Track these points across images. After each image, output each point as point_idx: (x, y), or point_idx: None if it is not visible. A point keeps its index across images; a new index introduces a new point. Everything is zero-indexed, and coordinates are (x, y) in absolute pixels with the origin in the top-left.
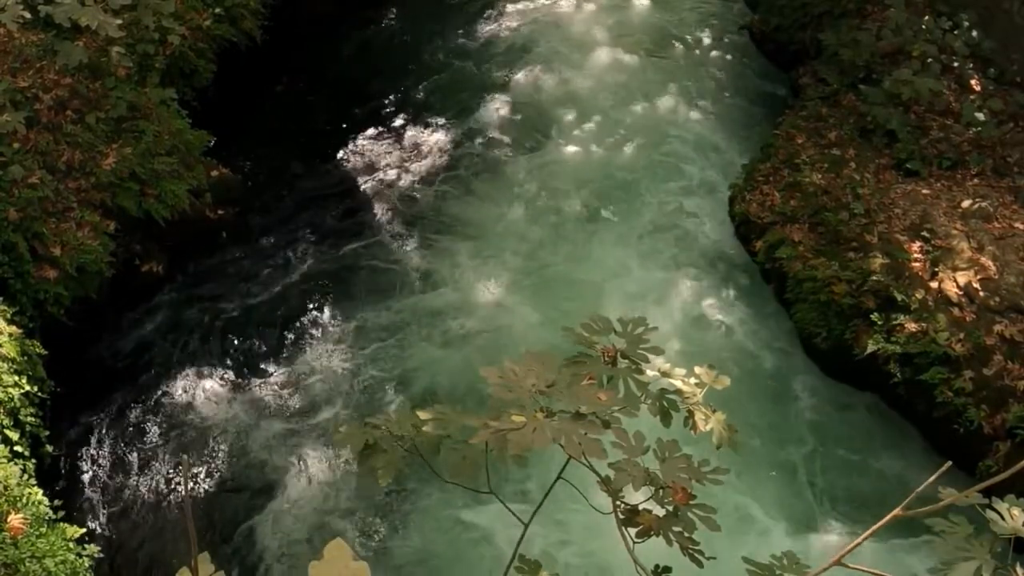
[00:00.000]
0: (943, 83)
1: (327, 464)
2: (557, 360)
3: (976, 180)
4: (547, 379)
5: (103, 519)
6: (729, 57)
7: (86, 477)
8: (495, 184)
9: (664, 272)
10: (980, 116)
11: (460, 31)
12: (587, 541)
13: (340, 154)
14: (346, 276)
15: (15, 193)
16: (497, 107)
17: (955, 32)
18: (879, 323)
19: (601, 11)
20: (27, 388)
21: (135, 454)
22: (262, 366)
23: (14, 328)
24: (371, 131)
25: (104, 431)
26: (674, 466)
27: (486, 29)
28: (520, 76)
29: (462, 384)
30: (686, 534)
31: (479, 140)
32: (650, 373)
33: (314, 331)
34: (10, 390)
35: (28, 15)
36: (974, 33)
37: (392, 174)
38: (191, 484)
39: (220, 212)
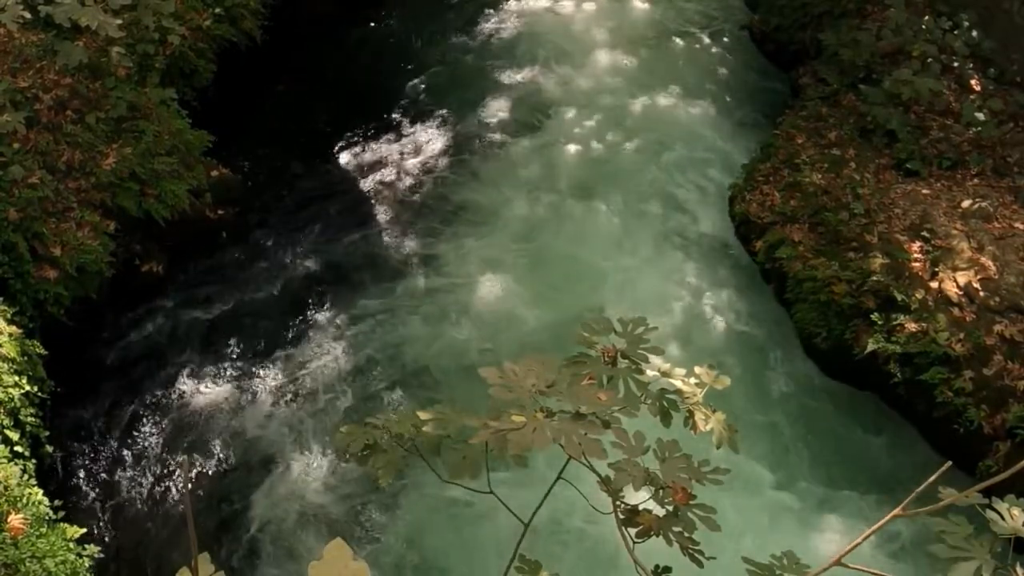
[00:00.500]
0: (943, 83)
1: (328, 463)
2: (557, 360)
3: (976, 180)
4: (547, 379)
5: (103, 519)
6: (729, 57)
7: (86, 477)
8: (494, 184)
9: (664, 272)
10: (980, 116)
11: (460, 30)
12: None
13: (340, 154)
14: (346, 275)
15: (15, 193)
16: (496, 107)
17: (955, 32)
18: (879, 323)
19: (601, 11)
20: (27, 388)
21: (135, 454)
22: (262, 366)
23: (14, 328)
24: (371, 130)
25: (104, 431)
26: (674, 466)
27: (486, 29)
28: (519, 75)
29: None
30: (686, 534)
31: (478, 140)
32: (650, 373)
33: (314, 330)
34: (10, 390)
35: (28, 15)
36: (974, 33)
37: (392, 173)
38: (191, 484)
39: (220, 212)
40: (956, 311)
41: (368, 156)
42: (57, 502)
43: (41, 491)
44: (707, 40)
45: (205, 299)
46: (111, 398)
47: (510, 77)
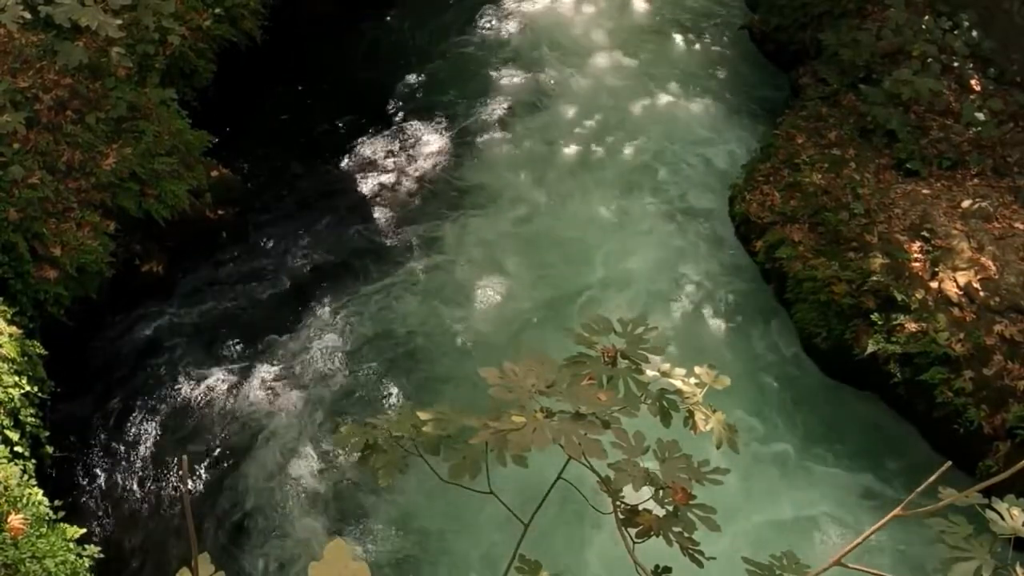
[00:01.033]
0: (943, 83)
1: (328, 462)
2: (557, 360)
3: (976, 180)
4: (547, 379)
5: (103, 519)
6: (729, 57)
7: (86, 477)
8: (494, 184)
9: (663, 272)
10: (980, 116)
11: (460, 30)
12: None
13: (340, 153)
14: (346, 274)
15: (15, 193)
16: (496, 107)
17: (955, 32)
18: (879, 323)
19: (601, 11)
20: (27, 388)
21: (135, 454)
22: (263, 365)
23: (14, 328)
24: (371, 130)
25: (104, 431)
26: (674, 466)
27: (485, 29)
28: (519, 75)
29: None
30: (686, 534)
31: (478, 140)
32: (650, 373)
33: (315, 329)
34: (10, 390)
35: (28, 15)
36: (974, 33)
37: (392, 171)
38: (191, 483)
39: (220, 212)
40: (956, 311)
41: (368, 155)
42: (57, 502)
43: (41, 491)
44: (707, 40)
45: (205, 299)
46: (111, 398)
47: (509, 76)
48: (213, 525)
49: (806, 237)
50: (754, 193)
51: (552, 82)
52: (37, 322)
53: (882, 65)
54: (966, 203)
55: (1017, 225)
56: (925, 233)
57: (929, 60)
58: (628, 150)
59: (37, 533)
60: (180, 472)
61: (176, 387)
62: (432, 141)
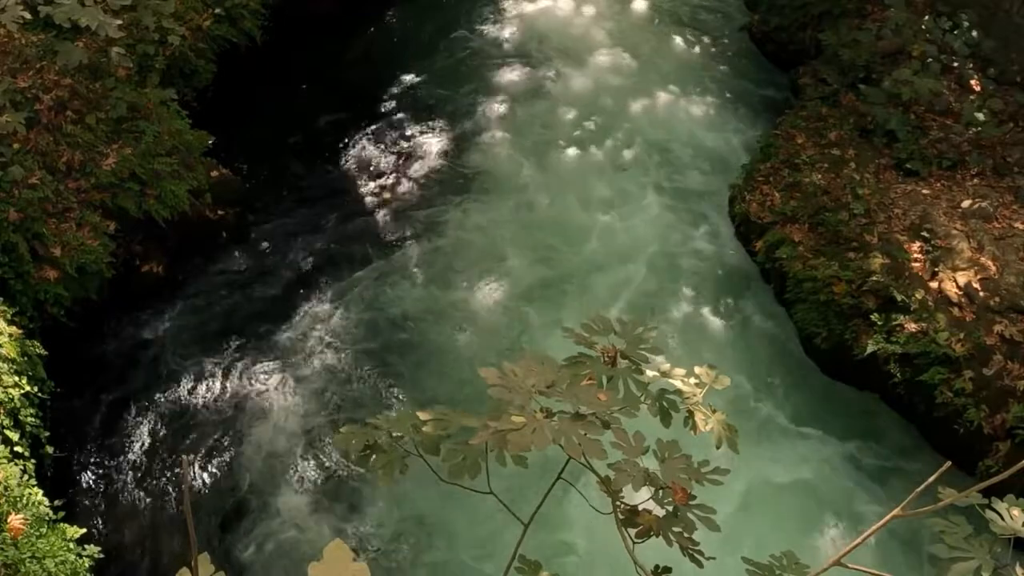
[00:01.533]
0: (943, 83)
1: (329, 461)
2: (557, 360)
3: (976, 180)
4: (547, 379)
5: (103, 519)
6: (729, 57)
7: (86, 477)
8: (494, 185)
9: (663, 272)
10: (980, 116)
11: (460, 29)
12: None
13: (340, 153)
14: (347, 273)
15: (15, 194)
16: (496, 107)
17: (955, 32)
18: (879, 323)
19: (601, 12)
20: (27, 389)
21: (135, 454)
22: (263, 365)
23: (14, 329)
24: (371, 131)
25: (104, 431)
26: (674, 466)
27: (485, 29)
28: (520, 76)
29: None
30: (686, 534)
31: (478, 140)
32: (650, 373)
33: (315, 329)
34: (10, 391)
35: (28, 16)
36: (974, 33)
37: (392, 171)
38: (191, 483)
39: (220, 212)
40: (956, 311)
41: (368, 154)
42: (57, 502)
43: (41, 491)
44: (707, 40)
45: (205, 299)
46: (111, 398)
47: (509, 76)
48: (213, 525)
49: (806, 237)
50: (754, 193)
51: (551, 81)
52: (37, 322)
53: (882, 65)
54: (966, 203)
55: (1017, 225)
56: (925, 233)
57: (929, 60)
58: (627, 150)
59: (37, 533)
60: (181, 472)
61: (176, 387)
62: (432, 139)
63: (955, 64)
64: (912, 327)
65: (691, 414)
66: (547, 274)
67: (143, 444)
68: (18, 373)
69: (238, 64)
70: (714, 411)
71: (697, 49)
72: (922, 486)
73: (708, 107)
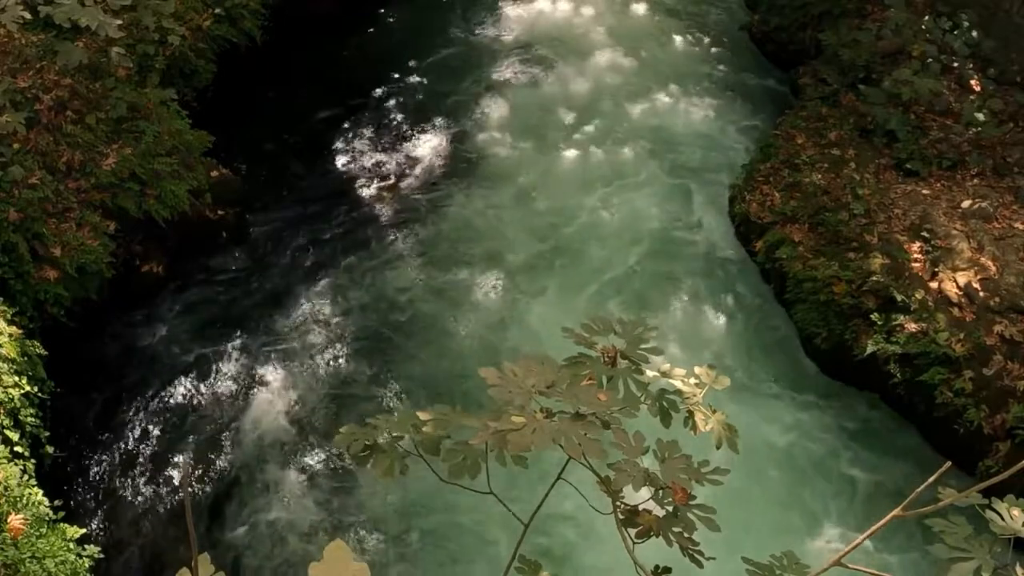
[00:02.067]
0: (943, 83)
1: (328, 462)
2: (557, 360)
3: (976, 180)
4: (547, 379)
5: (103, 519)
6: (729, 57)
7: (86, 477)
8: (494, 185)
9: (663, 272)
10: (980, 116)
11: (460, 31)
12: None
13: (340, 153)
14: (347, 273)
15: (15, 194)
16: (496, 107)
17: (955, 32)
18: (879, 323)
19: (600, 12)
20: (27, 389)
21: (135, 454)
22: (263, 365)
23: (14, 329)
24: (371, 130)
25: (104, 431)
26: (674, 466)
27: (486, 29)
28: (520, 76)
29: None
30: (686, 534)
31: (478, 140)
32: (650, 373)
33: (316, 329)
34: (10, 391)
35: (28, 16)
36: (974, 33)
37: (393, 171)
38: (191, 483)
39: (220, 212)
40: (956, 311)
41: (369, 154)
42: (57, 502)
43: (41, 491)
44: (707, 40)
45: (205, 299)
46: (111, 398)
47: (509, 77)
48: (213, 525)
49: (806, 237)
50: (754, 193)
51: (551, 81)
52: (37, 322)
53: (882, 65)
54: (966, 203)
55: (1017, 225)
56: (925, 233)
57: (929, 60)
58: (626, 150)
59: (37, 533)
60: (181, 472)
61: (176, 387)
62: (432, 137)
63: (955, 64)
64: (912, 327)
65: (691, 414)
66: (547, 274)
67: (143, 443)
68: (18, 373)
69: (238, 64)
70: (714, 411)
71: (697, 48)
72: (922, 486)
73: (708, 107)
